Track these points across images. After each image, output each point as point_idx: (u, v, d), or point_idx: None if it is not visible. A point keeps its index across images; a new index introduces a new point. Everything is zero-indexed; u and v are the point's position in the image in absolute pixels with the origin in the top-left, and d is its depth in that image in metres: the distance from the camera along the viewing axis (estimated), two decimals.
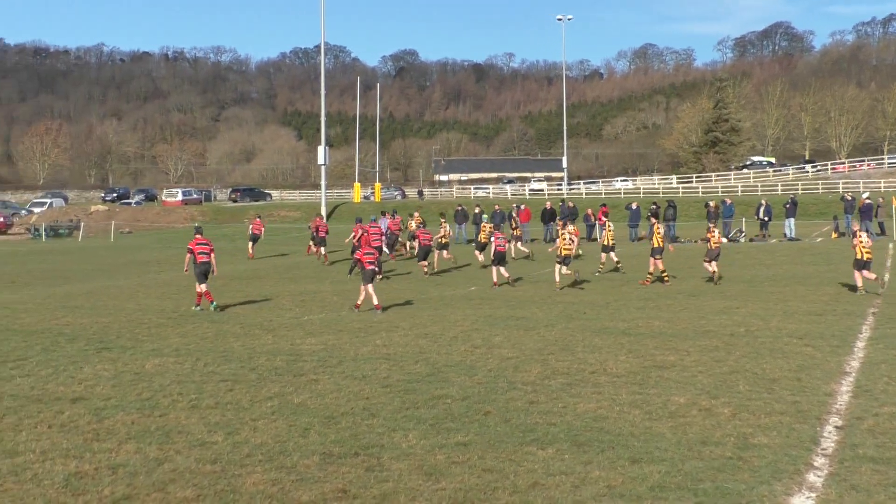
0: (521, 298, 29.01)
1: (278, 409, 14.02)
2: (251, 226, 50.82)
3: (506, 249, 34.35)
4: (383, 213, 49.20)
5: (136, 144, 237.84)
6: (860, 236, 29.19)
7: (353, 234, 39.54)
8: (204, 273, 27.39)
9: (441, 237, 41.27)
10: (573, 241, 34.43)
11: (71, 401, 14.72)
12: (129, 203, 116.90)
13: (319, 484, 10.46)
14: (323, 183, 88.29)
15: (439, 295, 30.73)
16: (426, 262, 38.62)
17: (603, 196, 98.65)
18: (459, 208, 60.70)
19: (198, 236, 28.34)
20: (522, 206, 59.58)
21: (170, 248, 58.43)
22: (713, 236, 33.12)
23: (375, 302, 26.16)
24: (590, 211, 57.70)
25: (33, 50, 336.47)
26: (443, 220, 43.04)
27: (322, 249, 45.20)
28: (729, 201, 58.30)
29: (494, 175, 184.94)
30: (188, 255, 27.77)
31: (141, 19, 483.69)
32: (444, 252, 41.23)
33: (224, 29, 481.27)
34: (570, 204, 59.74)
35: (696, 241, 52.91)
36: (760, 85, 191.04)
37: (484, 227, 42.48)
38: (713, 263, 32.72)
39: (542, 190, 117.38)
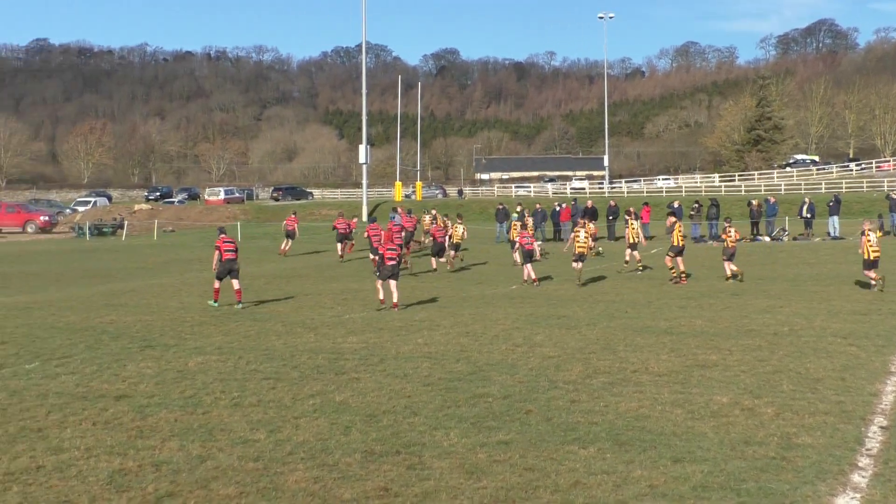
0: (562, 297, 28.94)
1: (320, 408, 14.05)
2: (285, 222, 51.18)
3: (533, 248, 34.52)
4: (395, 210, 49.68)
5: (179, 143, 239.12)
6: (868, 235, 29.04)
7: (367, 233, 40.54)
8: (229, 270, 28.01)
9: (453, 237, 41.71)
10: (588, 240, 34.47)
11: (115, 398, 14.81)
12: (172, 202, 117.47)
13: (361, 482, 10.47)
14: (364, 182, 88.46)
15: (480, 293, 30.72)
16: (443, 259, 39.44)
17: (645, 195, 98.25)
18: (500, 207, 60.67)
19: (223, 236, 28.87)
20: (564, 205, 59.52)
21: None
22: (729, 236, 33.21)
23: (395, 299, 26.57)
24: (632, 209, 57.46)
25: (78, 50, 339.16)
26: (459, 221, 43.19)
27: (340, 246, 45.82)
28: (772, 200, 57.98)
29: (535, 174, 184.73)
30: (216, 253, 28.30)
31: (184, 19, 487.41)
32: (453, 252, 41.50)
33: (266, 28, 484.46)
34: (589, 203, 59.51)
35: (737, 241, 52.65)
36: (804, 82, 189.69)
37: (515, 225, 42.74)
38: (727, 262, 32.86)
39: (584, 189, 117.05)
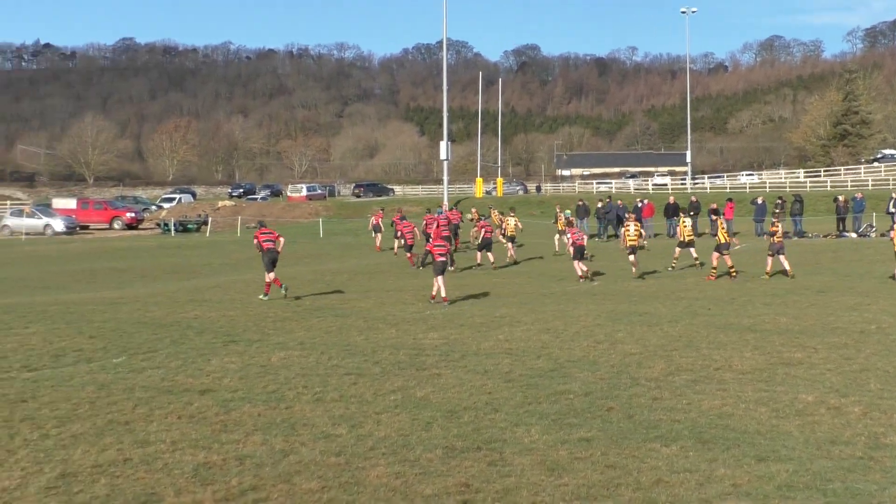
0: (644, 294, 28.78)
1: (401, 403, 14.09)
2: (373, 218, 51.87)
3: (584, 243, 34.84)
4: (428, 211, 50.52)
5: (262, 140, 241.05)
6: None
7: (425, 223, 42.14)
8: (272, 261, 28.75)
9: (507, 230, 42.81)
10: (640, 234, 35.74)
11: (199, 392, 14.97)
12: (255, 198, 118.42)
13: (442, 478, 10.49)
14: (445, 178, 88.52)
15: (562, 290, 30.65)
16: (488, 254, 39.80)
17: (728, 190, 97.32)
18: (581, 203, 60.47)
19: (262, 227, 29.92)
20: (646, 201, 59.17)
21: (295, 242, 59.13)
22: (777, 230, 33.05)
23: (443, 294, 27.13)
24: (714, 205, 57.03)
25: (163, 49, 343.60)
26: (511, 214, 44.23)
27: (395, 243, 46.87)
28: (860, 196, 57.07)
29: (617, 170, 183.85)
30: (255, 242, 29.37)
31: (267, 17, 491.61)
32: (510, 245, 42.89)
33: (347, 26, 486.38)
34: (640, 201, 59.31)
35: (823, 237, 52.07)
36: (892, 76, 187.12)
37: (559, 216, 43.42)
38: (780, 257, 32.79)
39: (666, 184, 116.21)
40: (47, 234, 72.70)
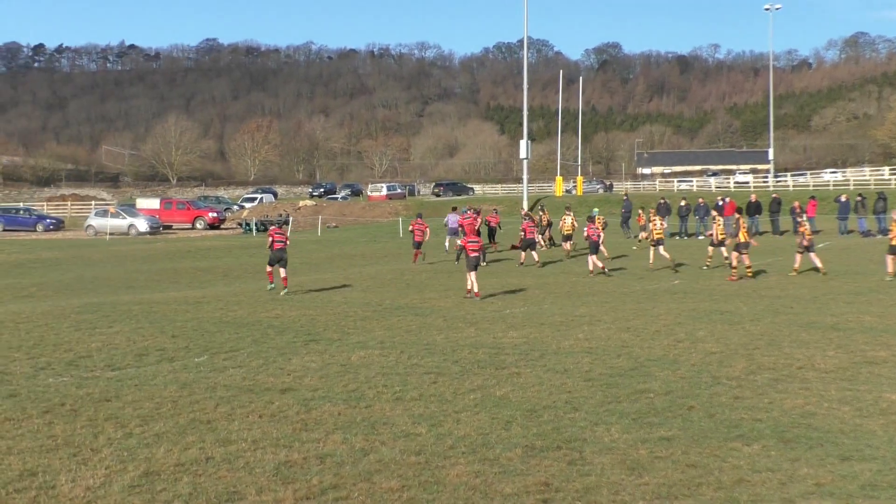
0: (725, 292, 28.55)
1: (481, 402, 14.11)
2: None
3: (598, 239, 36.41)
4: (454, 209, 51.18)
5: (343, 140, 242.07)
6: None
7: (411, 226, 43.77)
8: (278, 258, 30.88)
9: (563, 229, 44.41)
10: (663, 227, 38.25)
11: (280, 391, 15.08)
12: (336, 198, 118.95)
13: (522, 477, 10.49)
14: (525, 177, 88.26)
15: (642, 288, 30.49)
16: (534, 253, 40.63)
17: (811, 188, 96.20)
18: (662, 201, 60.11)
19: (275, 227, 34.04)
20: (728, 199, 58.64)
21: (375, 241, 59.42)
22: (805, 228, 33.29)
23: (476, 289, 28.31)
24: (797, 203, 56.40)
25: (245, 49, 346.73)
26: (567, 213, 45.30)
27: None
28: None
29: (698, 168, 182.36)
30: (268, 240, 31.77)
31: (348, 17, 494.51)
32: (566, 244, 44.43)
33: (428, 25, 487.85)
34: (663, 201, 58.93)
35: None
36: None
37: (564, 217, 44.48)
38: (811, 255, 33.13)
39: (748, 182, 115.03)
40: (131, 234, 73.60)
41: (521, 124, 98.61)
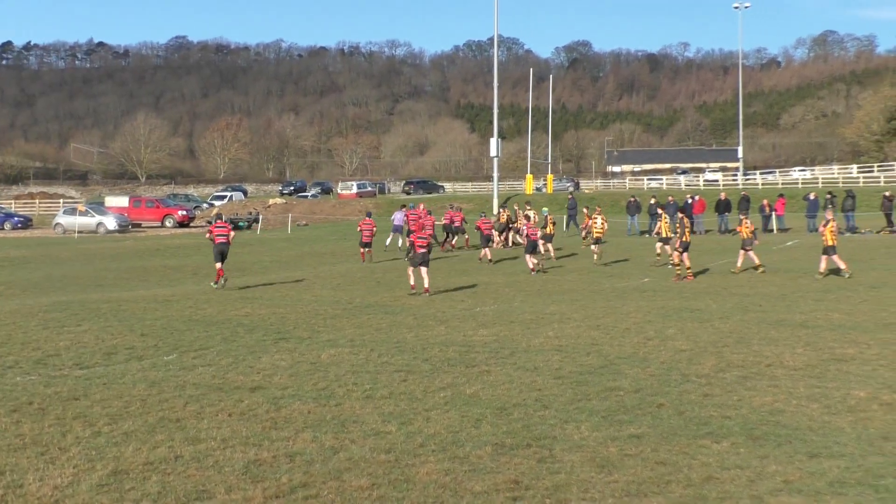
0: (695, 290, 28.65)
1: (451, 400, 14.11)
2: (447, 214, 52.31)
3: (537, 238, 37.36)
4: (402, 206, 52.75)
5: (313, 138, 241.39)
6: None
7: (359, 226, 44.53)
8: (221, 253, 31.59)
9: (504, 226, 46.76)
10: (604, 226, 40.31)
11: (250, 390, 15.05)
12: (306, 196, 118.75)
13: (492, 475, 10.49)
14: (495, 175, 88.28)
15: (611, 286, 30.56)
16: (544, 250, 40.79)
17: (780, 186, 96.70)
18: (632, 199, 60.39)
19: (218, 221, 34.18)
20: (697, 197, 58.88)
21: (345, 239, 59.28)
22: (746, 227, 34.42)
23: (425, 285, 28.75)
24: (766, 201, 56.67)
25: (215, 47, 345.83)
26: (502, 211, 48.14)
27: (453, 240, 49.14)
28: None
29: (668, 166, 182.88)
30: (208, 235, 32.94)
31: (318, 15, 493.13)
32: (596, 247, 43.88)
33: (399, 23, 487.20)
34: (691, 197, 59.26)
35: (876, 233, 51.60)
36: None
37: (594, 217, 44.86)
38: (750, 253, 34.07)
39: (717, 180, 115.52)
40: (100, 233, 73.23)
41: (491, 122, 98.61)
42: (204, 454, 11.40)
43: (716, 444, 11.47)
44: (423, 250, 29.15)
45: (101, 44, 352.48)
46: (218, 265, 31.49)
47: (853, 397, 13.81)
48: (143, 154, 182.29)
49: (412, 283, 28.91)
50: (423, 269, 28.60)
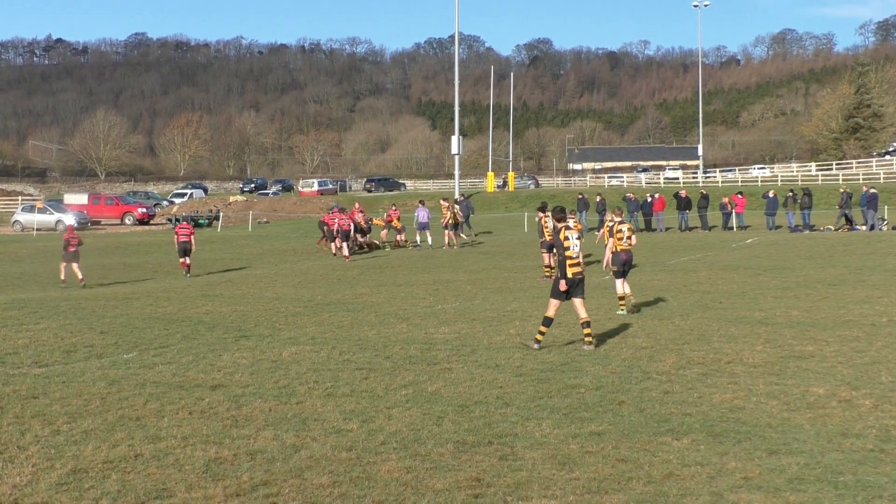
0: (655, 287, 28.72)
1: (412, 398, 14.09)
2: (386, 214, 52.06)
3: (350, 229, 43.18)
4: (420, 202, 52.60)
5: (274, 135, 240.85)
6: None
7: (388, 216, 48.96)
8: (184, 250, 37.05)
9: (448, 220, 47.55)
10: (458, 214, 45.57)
11: (210, 388, 14.98)
12: (267, 193, 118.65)
13: (453, 472, 10.48)
14: (456, 172, 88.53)
15: None
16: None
17: (739, 184, 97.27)
18: (580, 196, 61.10)
19: (182, 223, 40.48)
20: (657, 195, 59.13)
21: (307, 237, 59.18)
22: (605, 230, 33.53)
23: (346, 253, 35.03)
24: (725, 199, 57.00)
25: (175, 44, 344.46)
26: (445, 205, 48.27)
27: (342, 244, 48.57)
28: (872, 190, 56.81)
29: (629, 163, 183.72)
30: (175, 237, 38.06)
31: (278, 12, 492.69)
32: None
33: (359, 20, 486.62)
34: (651, 195, 59.33)
35: (835, 230, 51.97)
36: None
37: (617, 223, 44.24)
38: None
39: (678, 178, 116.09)
40: (59, 230, 72.78)
41: (452, 120, 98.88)
42: (164, 452, 11.34)
43: (676, 441, 11.50)
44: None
45: (59, 40, 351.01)
46: (182, 260, 36.83)
47: (812, 394, 13.88)
48: (103, 151, 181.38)
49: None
50: (346, 245, 33.16)
